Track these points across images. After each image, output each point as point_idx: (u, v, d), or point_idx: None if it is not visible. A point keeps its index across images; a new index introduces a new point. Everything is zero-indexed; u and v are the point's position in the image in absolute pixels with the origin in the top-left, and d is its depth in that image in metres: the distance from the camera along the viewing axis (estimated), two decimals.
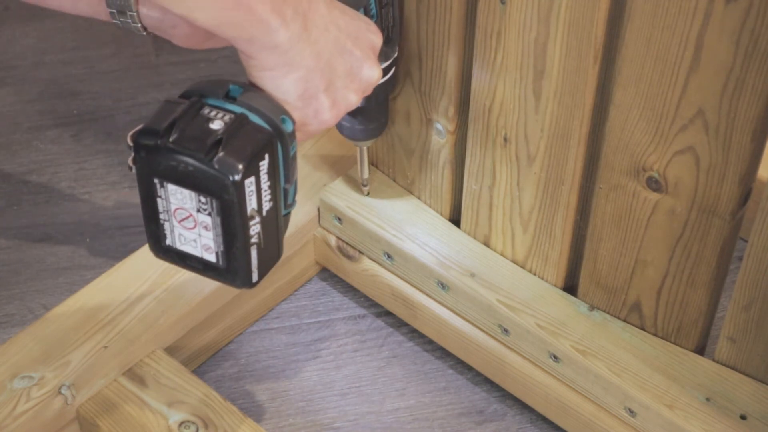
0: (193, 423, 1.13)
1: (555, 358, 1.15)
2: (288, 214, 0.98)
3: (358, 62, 0.99)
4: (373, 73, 1.01)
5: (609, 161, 1.06)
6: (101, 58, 1.63)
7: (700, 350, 1.14)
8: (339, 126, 1.19)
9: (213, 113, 0.91)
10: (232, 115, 0.91)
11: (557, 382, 1.17)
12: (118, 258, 1.26)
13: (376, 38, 1.02)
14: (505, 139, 1.13)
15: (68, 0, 0.92)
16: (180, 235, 0.94)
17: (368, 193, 1.27)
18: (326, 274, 1.36)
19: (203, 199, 0.91)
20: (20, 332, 1.17)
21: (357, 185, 1.27)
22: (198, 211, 0.92)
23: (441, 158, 1.21)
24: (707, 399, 1.10)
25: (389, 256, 1.25)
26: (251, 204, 0.91)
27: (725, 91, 0.95)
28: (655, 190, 1.05)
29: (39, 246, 1.40)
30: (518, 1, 1.03)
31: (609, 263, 1.13)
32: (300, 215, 1.28)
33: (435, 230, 1.24)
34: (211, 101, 0.92)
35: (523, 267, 1.21)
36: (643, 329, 1.16)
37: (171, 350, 1.21)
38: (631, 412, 1.12)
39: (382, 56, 1.10)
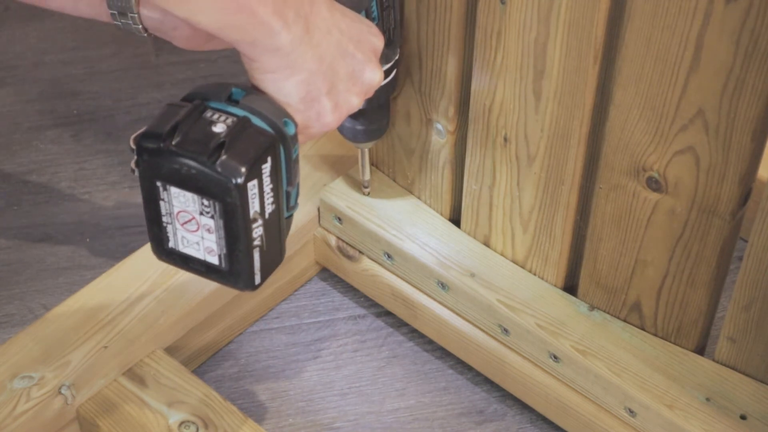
0: (193, 423, 1.13)
1: (555, 358, 1.15)
2: (290, 216, 0.98)
3: (360, 65, 0.99)
4: (374, 76, 1.01)
5: (609, 161, 1.06)
6: (101, 58, 1.63)
7: (700, 350, 1.14)
8: (340, 128, 1.19)
9: (215, 116, 0.91)
10: (235, 118, 0.91)
11: (557, 382, 1.17)
12: (118, 258, 1.26)
13: (378, 41, 1.02)
14: (505, 139, 1.13)
15: (69, 1, 0.92)
16: (183, 237, 0.94)
17: (368, 194, 1.27)
18: (326, 274, 1.36)
19: (206, 202, 0.91)
20: (20, 332, 1.17)
21: (357, 185, 1.27)
22: (201, 213, 0.92)
23: (441, 158, 1.21)
24: (707, 399, 1.10)
25: (389, 256, 1.25)
26: (254, 207, 0.91)
27: (725, 91, 0.95)
28: (655, 190, 1.05)
29: (39, 246, 1.40)
30: (518, 1, 1.03)
31: (609, 263, 1.13)
32: (300, 215, 1.28)
33: (435, 230, 1.24)
34: (213, 104, 0.92)
35: (523, 267, 1.21)
36: (643, 329, 1.16)
37: (171, 350, 1.21)
38: (631, 412, 1.12)
39: (383, 59, 1.10)
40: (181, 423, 1.13)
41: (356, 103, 1.00)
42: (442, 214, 1.25)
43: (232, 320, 1.29)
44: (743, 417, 1.09)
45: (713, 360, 1.13)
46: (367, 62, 1.00)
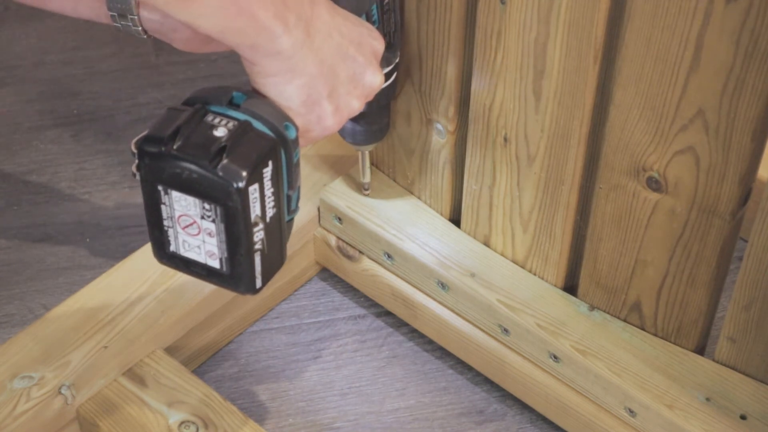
0: (193, 423, 1.13)
1: (555, 358, 1.15)
2: (291, 220, 0.98)
3: (360, 68, 0.99)
4: (375, 79, 1.01)
5: (609, 161, 1.06)
6: (101, 58, 1.63)
7: (700, 350, 1.14)
8: (341, 130, 1.19)
9: (217, 120, 0.91)
10: (236, 122, 0.91)
11: (557, 382, 1.17)
12: (118, 258, 1.26)
13: (378, 44, 1.02)
14: (505, 139, 1.13)
15: (69, 3, 0.92)
16: (184, 241, 0.94)
17: (368, 195, 1.27)
18: (326, 274, 1.36)
19: (207, 206, 0.91)
20: (20, 332, 1.17)
21: (357, 185, 1.27)
22: (202, 217, 0.92)
23: (441, 158, 1.21)
24: (707, 399, 1.10)
25: (389, 256, 1.25)
26: (255, 211, 0.91)
27: (725, 91, 0.95)
28: (655, 190, 1.05)
29: (39, 246, 1.40)
30: (518, 1, 1.03)
31: (609, 263, 1.13)
32: (300, 215, 1.28)
33: (435, 230, 1.24)
34: (214, 108, 0.92)
35: (523, 267, 1.21)
36: (643, 329, 1.16)
37: (171, 350, 1.21)
38: (631, 412, 1.12)
39: (384, 62, 1.10)
40: (181, 423, 1.13)
41: (357, 106, 1.00)
42: (442, 214, 1.25)
43: (232, 320, 1.29)
44: (743, 417, 1.09)
45: (713, 360, 1.13)
46: (368, 65, 1.00)
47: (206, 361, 1.28)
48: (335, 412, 1.24)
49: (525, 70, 1.06)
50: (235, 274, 0.95)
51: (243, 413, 1.14)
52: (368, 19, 1.08)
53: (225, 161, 0.89)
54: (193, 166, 0.89)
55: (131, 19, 0.90)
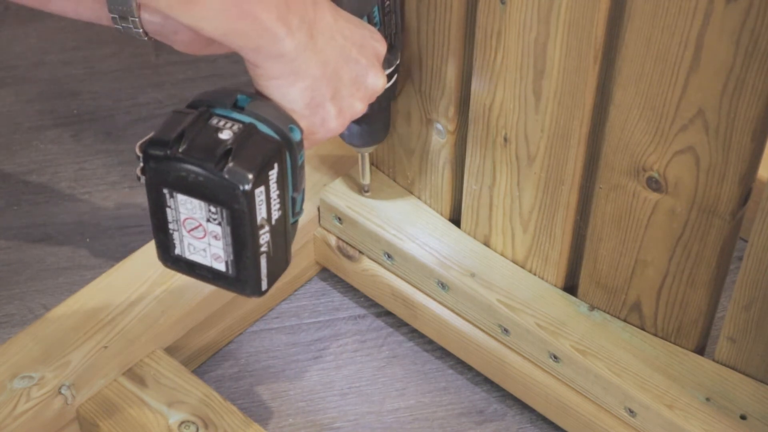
0: (193, 423, 1.13)
1: (555, 358, 1.15)
2: (296, 222, 0.98)
3: (363, 70, 0.99)
4: (378, 81, 1.01)
5: (609, 161, 1.06)
6: (101, 58, 1.63)
7: (700, 350, 1.14)
8: (341, 133, 1.19)
9: (222, 123, 0.91)
10: (241, 125, 0.91)
11: (557, 382, 1.17)
12: (118, 258, 1.26)
13: (380, 46, 1.02)
14: (505, 139, 1.13)
15: (70, 5, 0.92)
16: (189, 244, 0.94)
17: (368, 196, 1.27)
18: (326, 274, 1.36)
19: (213, 209, 0.91)
20: (20, 332, 1.17)
21: (357, 185, 1.27)
22: (208, 220, 0.92)
23: (441, 158, 1.21)
24: (707, 399, 1.10)
25: (389, 256, 1.25)
26: (261, 213, 0.91)
27: (725, 91, 0.95)
28: (655, 190, 1.05)
29: (39, 246, 1.40)
30: (518, 1, 1.03)
31: (609, 263, 1.13)
32: None
33: (435, 230, 1.24)
34: (219, 111, 0.92)
35: (523, 267, 1.21)
36: (643, 329, 1.16)
37: (171, 350, 1.21)
38: (631, 412, 1.12)
39: (385, 63, 1.10)
40: (181, 423, 1.13)
41: (360, 108, 1.00)
42: (442, 214, 1.25)
43: (232, 320, 1.29)
44: (743, 417, 1.09)
45: (713, 360, 1.13)
46: (371, 67, 1.00)
47: (206, 361, 1.28)
48: (335, 412, 1.24)
49: (525, 70, 1.06)
50: (240, 276, 0.95)
51: (243, 413, 1.14)
52: (370, 21, 1.08)
53: (231, 164, 0.89)
54: (198, 169, 0.89)
55: (132, 21, 0.90)
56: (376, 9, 1.08)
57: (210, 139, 0.90)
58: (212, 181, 0.89)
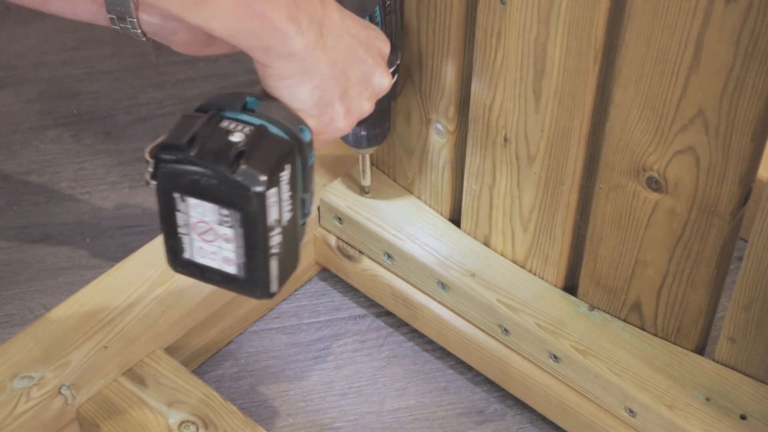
0: (193, 423, 1.13)
1: (555, 358, 1.15)
2: (305, 223, 0.98)
3: (370, 69, 0.99)
4: (384, 80, 1.01)
5: (609, 161, 1.06)
6: (101, 58, 1.63)
7: (700, 350, 1.14)
8: None
9: (232, 126, 0.91)
10: (252, 127, 0.91)
11: (557, 382, 1.17)
12: (118, 258, 1.26)
13: (385, 46, 1.02)
14: (505, 139, 1.13)
15: (68, 6, 0.92)
16: (199, 248, 0.94)
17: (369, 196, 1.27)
18: (326, 274, 1.36)
19: (225, 212, 0.91)
20: (20, 332, 1.17)
21: (357, 185, 1.27)
22: (219, 223, 0.92)
23: (441, 158, 1.21)
24: (707, 399, 1.10)
25: (389, 256, 1.25)
26: (273, 215, 0.91)
27: (725, 91, 0.95)
28: (655, 190, 1.05)
29: (39, 246, 1.40)
30: (518, 1, 1.03)
31: (609, 263, 1.13)
32: None
33: (435, 230, 1.24)
34: (229, 114, 0.92)
35: (523, 267, 1.21)
36: (643, 329, 1.16)
37: (171, 350, 1.21)
38: (631, 412, 1.12)
39: (387, 63, 1.10)
40: (181, 423, 1.13)
41: (367, 107, 1.00)
42: (442, 214, 1.25)
43: (232, 320, 1.29)
44: (743, 417, 1.09)
45: (713, 360, 1.13)
46: (377, 66, 1.00)
47: (206, 361, 1.28)
48: (335, 412, 1.24)
49: (525, 70, 1.06)
50: (251, 279, 0.95)
51: (243, 413, 1.14)
52: (371, 20, 1.08)
53: (243, 166, 0.89)
54: (212, 172, 0.89)
55: (130, 21, 0.90)
56: (377, 9, 1.08)
57: (221, 142, 0.90)
58: (225, 184, 0.89)
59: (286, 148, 0.91)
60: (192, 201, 0.91)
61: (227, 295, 1.24)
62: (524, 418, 1.24)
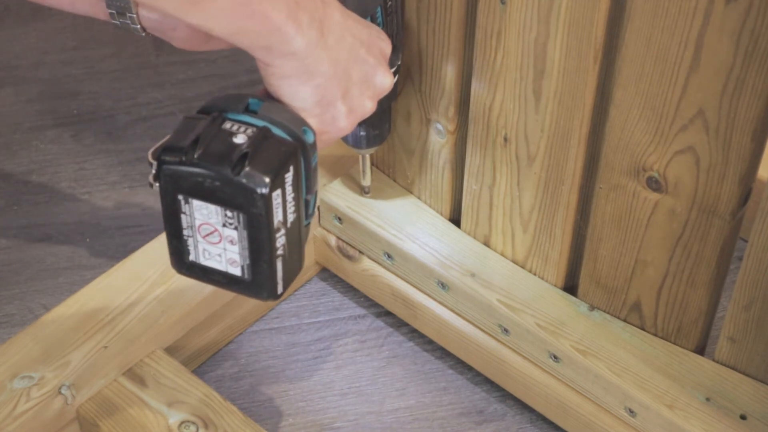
0: (193, 423, 1.13)
1: (555, 358, 1.15)
2: (308, 224, 0.98)
3: (372, 69, 0.99)
4: (385, 80, 1.01)
5: (609, 161, 1.06)
6: (101, 58, 1.63)
7: (700, 350, 1.14)
8: None
9: (235, 127, 0.91)
10: (255, 129, 0.91)
11: (557, 382, 1.17)
12: (118, 258, 1.26)
13: (386, 46, 1.02)
14: (505, 139, 1.13)
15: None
16: (204, 250, 0.94)
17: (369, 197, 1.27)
18: (326, 274, 1.36)
19: (230, 214, 0.91)
20: (20, 332, 1.17)
21: (357, 185, 1.27)
22: (224, 225, 0.92)
23: (441, 158, 1.21)
24: (707, 399, 1.10)
25: (389, 256, 1.25)
26: (278, 216, 0.91)
27: (725, 91, 0.95)
28: (655, 190, 1.05)
29: (39, 246, 1.40)
30: (518, 1, 1.03)
31: (609, 263, 1.13)
32: None
33: (435, 230, 1.24)
34: (231, 116, 0.92)
35: (523, 267, 1.21)
36: (643, 329, 1.16)
37: (171, 350, 1.21)
38: (631, 412, 1.12)
39: (388, 64, 1.10)
40: (181, 423, 1.13)
41: (370, 107, 1.00)
42: (442, 214, 1.25)
43: (232, 320, 1.29)
44: (743, 417, 1.09)
45: (713, 360, 1.13)
46: (378, 66, 1.00)
47: (206, 361, 1.28)
48: (335, 412, 1.24)
49: (525, 70, 1.06)
50: (257, 280, 0.95)
51: (243, 413, 1.14)
52: (372, 21, 1.08)
53: (248, 168, 0.89)
54: (215, 175, 0.89)
55: (130, 17, 0.90)
56: (379, 10, 1.08)
57: (225, 143, 0.90)
58: (229, 186, 0.89)
59: (289, 150, 0.91)
60: (196, 203, 0.91)
61: (227, 295, 1.24)
62: (524, 418, 1.24)
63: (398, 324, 1.31)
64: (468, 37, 1.12)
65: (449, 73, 1.14)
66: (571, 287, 1.20)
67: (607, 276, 1.14)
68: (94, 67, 1.61)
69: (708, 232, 1.05)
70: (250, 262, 0.93)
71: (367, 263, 1.28)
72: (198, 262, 0.95)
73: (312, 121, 0.95)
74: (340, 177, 1.29)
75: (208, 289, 1.21)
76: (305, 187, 0.94)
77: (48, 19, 1.67)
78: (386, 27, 1.10)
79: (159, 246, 1.24)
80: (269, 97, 0.94)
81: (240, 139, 0.90)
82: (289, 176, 0.91)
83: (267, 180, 0.89)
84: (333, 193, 1.27)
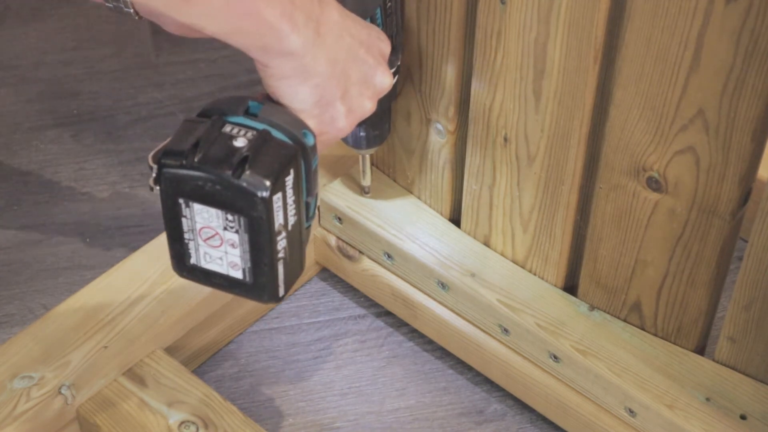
0: (193, 423, 1.13)
1: (555, 358, 1.15)
2: (309, 226, 0.98)
3: (371, 69, 0.99)
4: (385, 80, 1.01)
5: (609, 161, 1.06)
6: (101, 58, 1.63)
7: (700, 350, 1.14)
8: None
9: (235, 131, 0.91)
10: (255, 132, 0.91)
11: (557, 382, 1.17)
12: (118, 258, 1.26)
13: (386, 46, 1.02)
14: (505, 139, 1.13)
15: None
16: (205, 253, 0.94)
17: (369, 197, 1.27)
18: (326, 274, 1.36)
19: (231, 217, 0.91)
20: (20, 332, 1.17)
21: (357, 185, 1.27)
22: (225, 228, 0.92)
23: (441, 158, 1.21)
24: (707, 399, 1.10)
25: (389, 256, 1.25)
26: (278, 219, 0.91)
27: (725, 91, 0.95)
28: (655, 190, 1.05)
29: (39, 246, 1.40)
30: (518, 1, 1.03)
31: (609, 263, 1.13)
32: None
33: (435, 230, 1.24)
34: (232, 119, 0.92)
35: (523, 267, 1.21)
36: (643, 329, 1.16)
37: (171, 350, 1.21)
38: (631, 412, 1.12)
39: (388, 64, 1.10)
40: (181, 423, 1.13)
41: (369, 107, 1.00)
42: (442, 214, 1.25)
43: (232, 320, 1.29)
44: (743, 417, 1.09)
45: (713, 360, 1.13)
46: (378, 66, 1.00)
47: (206, 361, 1.28)
48: (335, 412, 1.24)
49: (525, 70, 1.06)
50: (258, 283, 0.95)
51: (243, 413, 1.14)
52: (372, 21, 1.08)
53: (248, 172, 0.89)
54: (216, 178, 0.89)
55: (123, 1, 0.90)
56: (378, 10, 1.08)
57: (225, 147, 0.90)
58: (230, 190, 0.89)
59: (290, 153, 0.91)
60: (197, 206, 0.91)
61: (227, 295, 1.24)
62: (524, 418, 1.24)
63: (398, 324, 1.31)
64: (468, 37, 1.12)
65: (449, 73, 1.14)
66: (571, 287, 1.20)
67: (607, 276, 1.14)
68: (94, 67, 1.61)
69: (708, 232, 1.05)
70: (252, 265, 0.93)
71: (367, 263, 1.28)
72: (199, 265, 0.95)
73: (311, 122, 0.95)
74: (340, 177, 1.29)
75: (208, 289, 1.21)
76: (306, 190, 0.94)
77: (48, 19, 1.67)
78: (385, 27, 1.10)
79: (159, 246, 1.24)
80: (269, 100, 0.94)
81: (240, 142, 0.90)
82: (289, 179, 0.91)
83: (267, 183, 0.89)
84: (333, 193, 1.27)
